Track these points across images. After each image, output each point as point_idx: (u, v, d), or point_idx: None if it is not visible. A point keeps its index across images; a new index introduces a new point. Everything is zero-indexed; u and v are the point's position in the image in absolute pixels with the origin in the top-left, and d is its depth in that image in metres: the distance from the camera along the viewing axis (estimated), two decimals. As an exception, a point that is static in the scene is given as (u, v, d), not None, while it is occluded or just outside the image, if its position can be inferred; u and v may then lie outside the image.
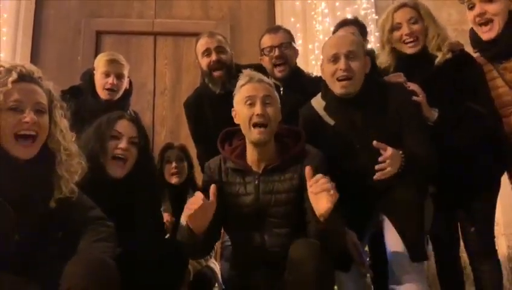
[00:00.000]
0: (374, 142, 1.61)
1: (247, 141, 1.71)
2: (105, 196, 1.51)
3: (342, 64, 1.74)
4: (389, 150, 1.60)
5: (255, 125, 1.64)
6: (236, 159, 1.72)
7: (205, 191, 1.66)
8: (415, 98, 1.81)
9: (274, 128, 1.68)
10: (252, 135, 1.65)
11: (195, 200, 1.52)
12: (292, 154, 1.69)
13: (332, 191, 1.44)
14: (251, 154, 1.71)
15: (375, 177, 1.60)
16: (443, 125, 1.81)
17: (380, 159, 1.60)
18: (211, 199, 1.55)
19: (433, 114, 1.82)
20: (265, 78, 1.76)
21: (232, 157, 1.73)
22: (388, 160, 1.59)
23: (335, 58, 1.77)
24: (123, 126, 1.73)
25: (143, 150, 1.77)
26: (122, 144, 1.69)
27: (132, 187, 1.69)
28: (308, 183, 1.49)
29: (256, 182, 1.68)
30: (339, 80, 1.76)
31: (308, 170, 1.51)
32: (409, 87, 1.84)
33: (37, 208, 1.31)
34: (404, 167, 1.62)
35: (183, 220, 1.55)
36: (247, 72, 1.76)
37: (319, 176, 1.48)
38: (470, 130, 1.82)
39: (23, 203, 1.28)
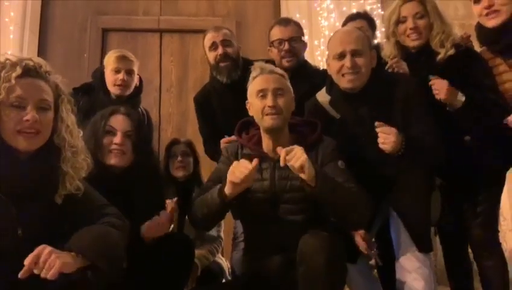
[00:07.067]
0: (376, 123, 1.65)
1: (261, 130, 1.75)
2: (105, 190, 1.49)
3: (348, 61, 1.74)
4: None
5: (267, 114, 1.68)
6: (253, 145, 1.76)
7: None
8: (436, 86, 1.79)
9: (287, 115, 1.71)
10: (265, 121, 1.68)
11: (245, 165, 1.52)
12: (309, 141, 1.71)
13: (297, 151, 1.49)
14: (267, 144, 1.73)
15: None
16: (467, 111, 1.78)
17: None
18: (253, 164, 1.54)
19: (460, 99, 1.78)
20: (276, 69, 1.79)
21: (249, 144, 1.77)
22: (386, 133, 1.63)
23: (341, 56, 1.77)
24: (117, 121, 1.73)
25: (141, 143, 1.76)
26: (117, 138, 1.69)
27: (132, 180, 1.69)
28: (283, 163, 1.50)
29: (272, 168, 1.70)
30: (344, 75, 1.76)
31: (280, 150, 1.52)
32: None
33: (41, 204, 1.29)
34: (404, 150, 1.62)
35: (228, 179, 1.54)
36: (258, 64, 1.80)
37: (284, 151, 1.50)
38: (491, 118, 1.81)
39: (26, 198, 1.26)
